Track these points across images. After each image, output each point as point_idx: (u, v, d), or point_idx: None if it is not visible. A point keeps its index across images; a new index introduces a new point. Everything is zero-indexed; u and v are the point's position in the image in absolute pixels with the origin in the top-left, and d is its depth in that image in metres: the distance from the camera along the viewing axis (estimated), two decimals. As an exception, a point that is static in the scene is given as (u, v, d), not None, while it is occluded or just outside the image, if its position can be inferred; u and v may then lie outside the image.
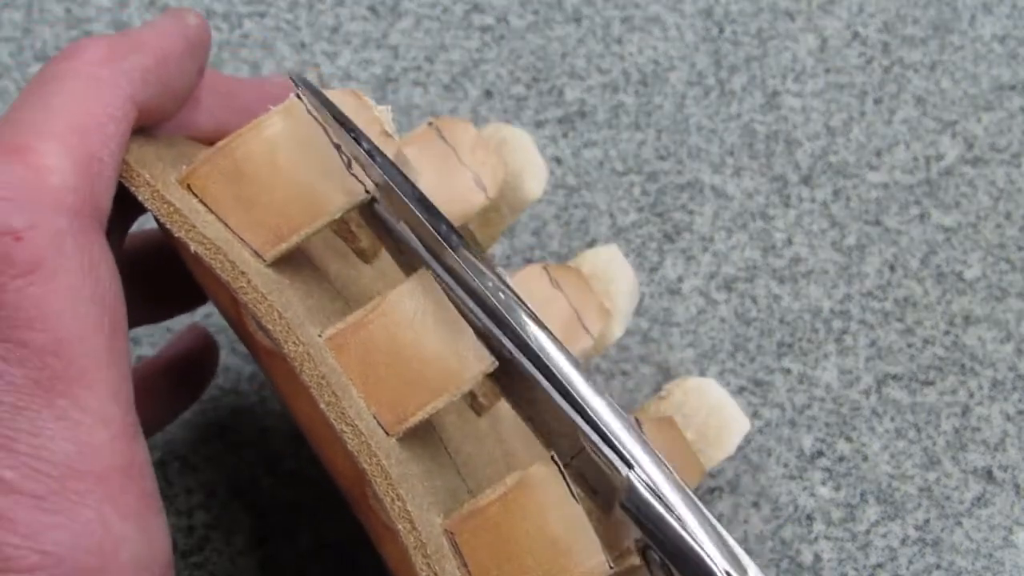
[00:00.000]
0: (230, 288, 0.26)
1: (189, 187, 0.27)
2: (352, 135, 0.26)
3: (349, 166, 0.27)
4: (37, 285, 0.23)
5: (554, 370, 0.26)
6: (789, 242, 0.44)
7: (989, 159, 0.45)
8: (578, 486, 0.27)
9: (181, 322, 0.40)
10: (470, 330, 0.27)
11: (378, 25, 0.47)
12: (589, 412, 0.26)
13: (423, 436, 0.28)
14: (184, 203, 0.27)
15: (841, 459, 0.40)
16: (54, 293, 0.24)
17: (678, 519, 0.25)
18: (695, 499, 0.26)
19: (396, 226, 0.28)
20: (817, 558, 0.38)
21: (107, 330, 0.24)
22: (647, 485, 0.25)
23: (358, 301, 0.29)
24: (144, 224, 0.33)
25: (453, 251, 0.26)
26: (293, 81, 0.27)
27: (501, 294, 0.26)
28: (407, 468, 0.26)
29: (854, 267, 0.43)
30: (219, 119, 0.30)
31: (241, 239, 0.27)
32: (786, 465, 0.40)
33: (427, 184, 0.30)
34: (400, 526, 0.25)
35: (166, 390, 0.35)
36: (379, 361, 0.26)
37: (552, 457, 0.26)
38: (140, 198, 0.27)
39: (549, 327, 0.27)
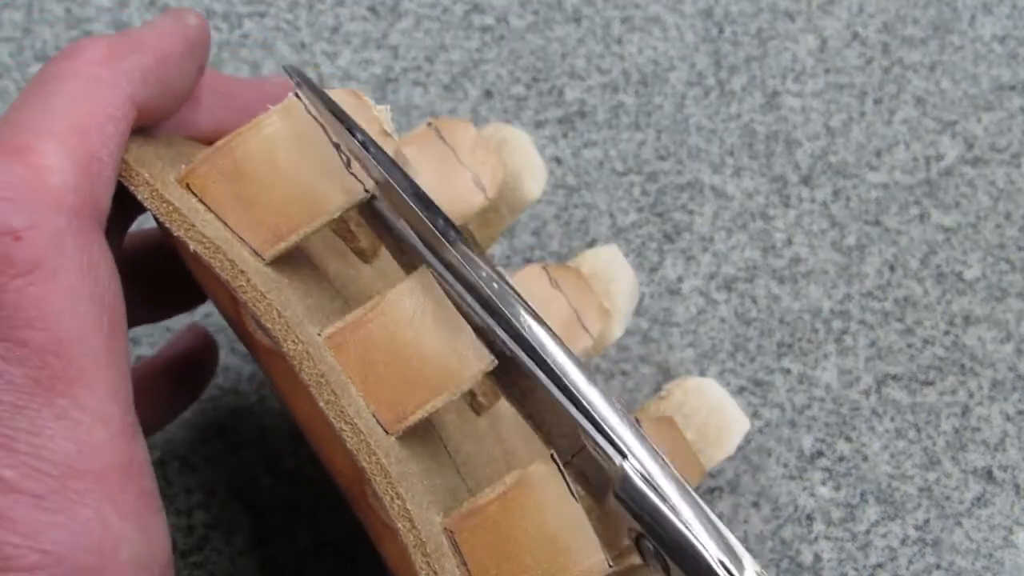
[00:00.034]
0: (229, 287, 0.26)
1: (188, 186, 0.27)
2: (345, 125, 0.26)
3: (348, 165, 0.27)
4: (37, 285, 0.23)
5: (549, 360, 0.26)
6: (789, 242, 0.44)
7: (989, 159, 0.45)
8: (578, 485, 0.26)
9: (181, 322, 0.40)
10: (470, 329, 0.27)
11: (378, 25, 0.47)
12: (583, 401, 0.26)
13: (422, 435, 0.28)
14: (183, 202, 0.27)
15: (841, 459, 0.40)
16: (54, 293, 0.24)
17: (672, 508, 0.25)
18: (689, 488, 0.26)
19: (396, 224, 0.28)
20: (817, 558, 0.38)
21: (106, 329, 0.24)
22: (641, 474, 0.25)
23: (357, 300, 0.29)
24: (144, 223, 0.33)
25: (451, 246, 0.26)
26: (287, 72, 0.27)
27: (495, 284, 0.26)
28: (406, 467, 0.26)
29: (854, 267, 0.43)
30: (219, 119, 0.30)
31: (240, 238, 0.27)
32: (786, 465, 0.40)
33: (426, 184, 0.30)
34: (399, 525, 0.25)
35: (166, 390, 0.35)
36: (378, 360, 0.26)
37: (552, 456, 0.26)
38: (139, 197, 0.27)
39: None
